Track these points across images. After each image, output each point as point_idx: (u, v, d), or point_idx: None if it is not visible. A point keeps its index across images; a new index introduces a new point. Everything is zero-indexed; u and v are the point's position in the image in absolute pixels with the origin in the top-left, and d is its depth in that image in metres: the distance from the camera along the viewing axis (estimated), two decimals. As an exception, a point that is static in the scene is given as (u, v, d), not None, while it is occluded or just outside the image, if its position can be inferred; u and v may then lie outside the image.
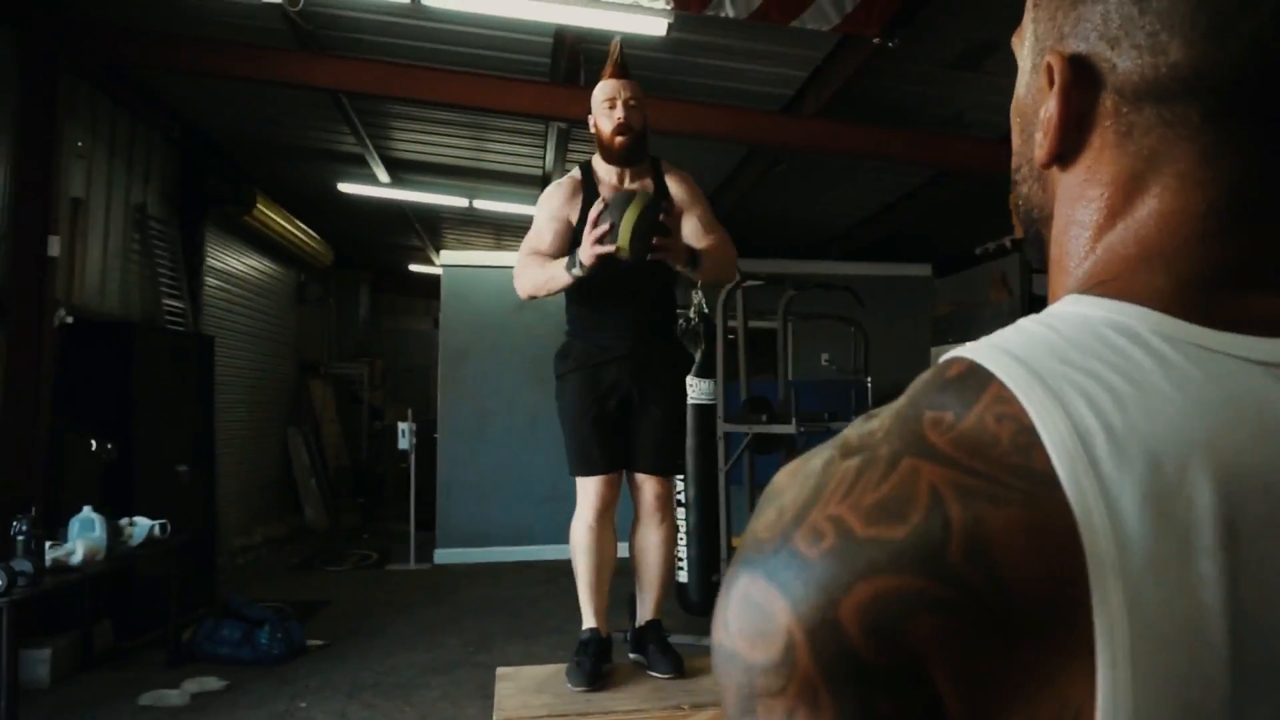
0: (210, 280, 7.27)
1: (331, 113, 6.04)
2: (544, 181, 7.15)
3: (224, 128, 6.70)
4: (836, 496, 0.39)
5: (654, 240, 2.40)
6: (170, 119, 6.30)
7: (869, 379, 6.24)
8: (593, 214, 2.43)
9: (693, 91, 5.33)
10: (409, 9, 4.43)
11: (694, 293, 5.44)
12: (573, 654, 2.57)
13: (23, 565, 3.58)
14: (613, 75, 2.63)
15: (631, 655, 2.70)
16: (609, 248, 2.40)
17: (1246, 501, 0.37)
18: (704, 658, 2.76)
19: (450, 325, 7.82)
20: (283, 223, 8.08)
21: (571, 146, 6.37)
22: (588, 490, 2.61)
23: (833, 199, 7.58)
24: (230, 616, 4.83)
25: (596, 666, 2.50)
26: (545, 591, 6.29)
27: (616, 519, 2.67)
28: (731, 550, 4.85)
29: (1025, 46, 0.53)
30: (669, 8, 4.05)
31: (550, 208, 2.67)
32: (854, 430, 0.43)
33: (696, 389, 5.09)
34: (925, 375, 0.44)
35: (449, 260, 8.14)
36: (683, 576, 5.30)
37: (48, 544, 3.87)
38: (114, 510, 4.45)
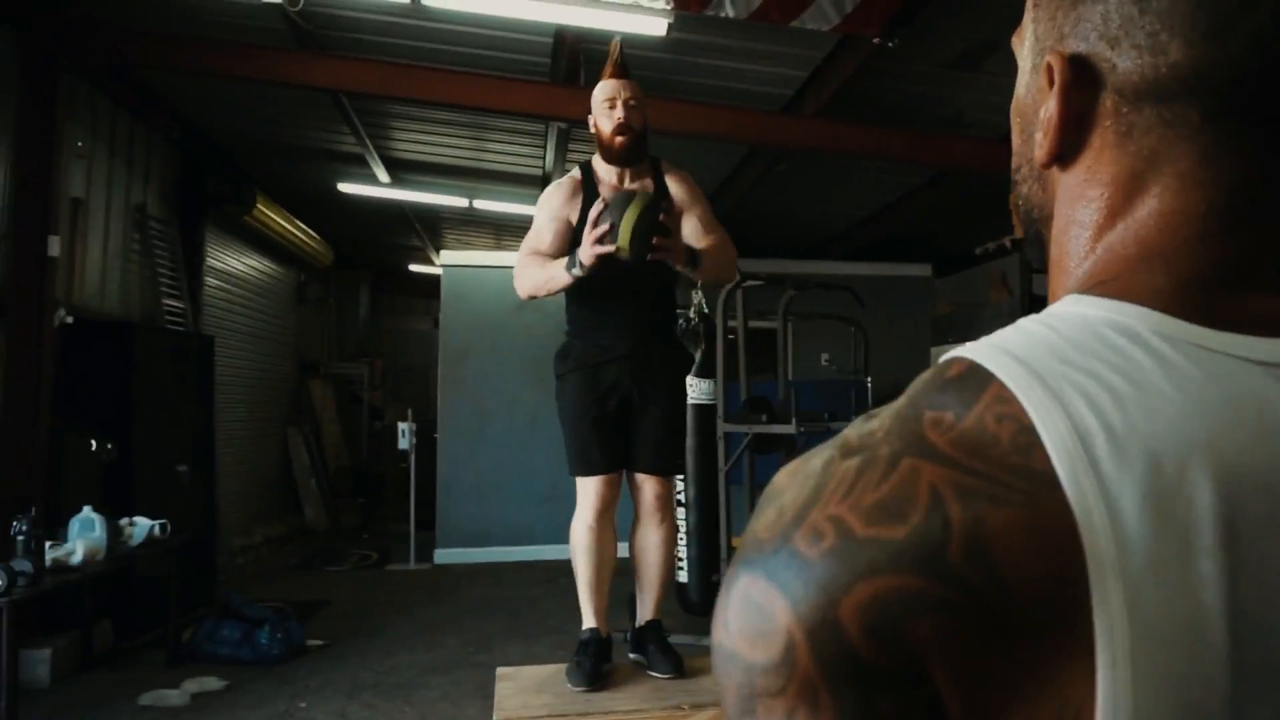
0: (210, 280, 7.27)
1: (331, 113, 6.04)
2: (544, 181, 7.15)
3: (224, 128, 6.70)
4: (836, 496, 0.39)
5: (654, 240, 2.39)
6: (170, 119, 6.30)
7: (869, 379, 6.24)
8: (592, 214, 2.43)
9: (693, 91, 5.33)
10: (409, 9, 4.43)
11: (694, 293, 5.44)
12: (573, 654, 2.57)
13: (23, 565, 3.58)
14: (613, 75, 2.63)
15: (631, 655, 2.70)
16: (608, 248, 2.39)
17: (1247, 501, 0.37)
18: (704, 658, 2.76)
19: (450, 325, 7.82)
20: (283, 223, 8.08)
21: (571, 146, 6.37)
22: (587, 490, 2.61)
23: (833, 199, 7.58)
24: (230, 616, 4.83)
25: (596, 667, 2.50)
26: (545, 591, 6.29)
27: (616, 519, 2.67)
28: (731, 550, 4.86)
29: (1025, 47, 0.53)
30: (669, 8, 4.05)
31: (550, 208, 2.67)
32: (854, 430, 0.43)
33: (697, 389, 5.09)
34: (925, 375, 0.44)
35: (449, 260, 8.14)
36: (683, 576, 5.30)
37: (48, 544, 3.87)
38: (114, 510, 4.45)
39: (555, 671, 2.57)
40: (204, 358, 6.29)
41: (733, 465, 5.01)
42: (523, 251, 2.68)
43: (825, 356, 8.17)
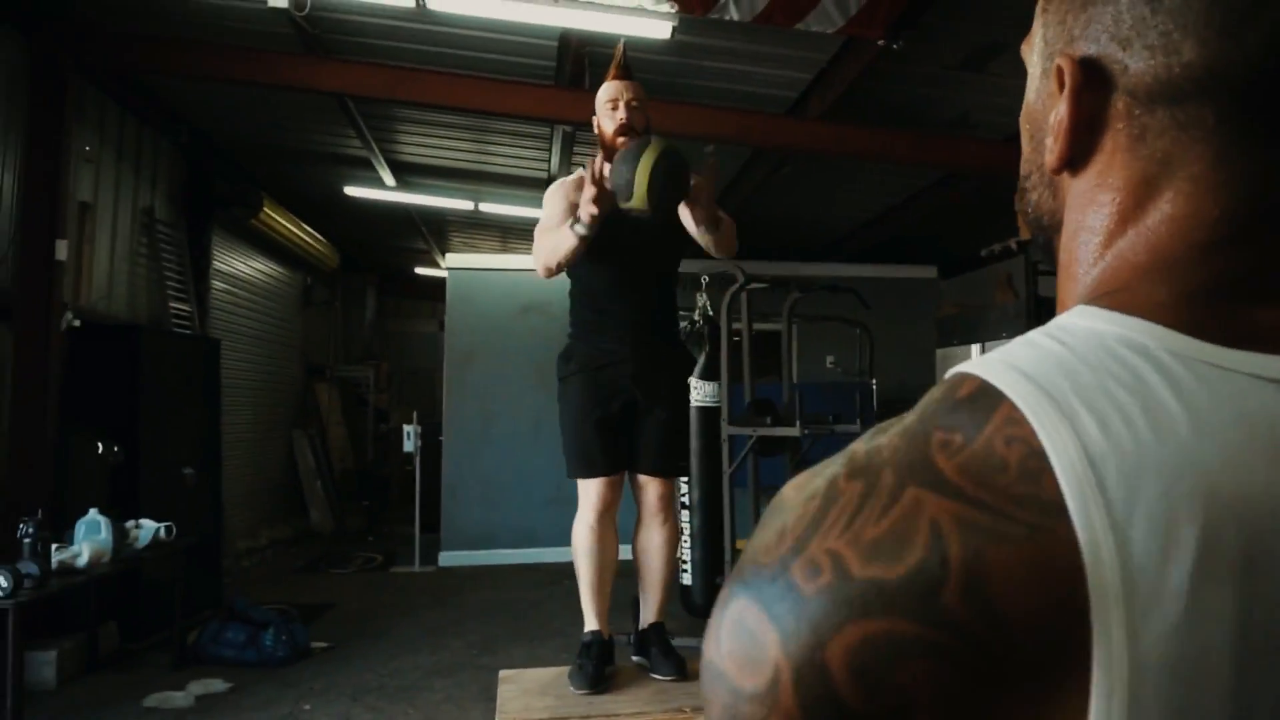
0: (217, 283, 7.30)
1: (337, 116, 6.06)
2: (549, 184, 7.14)
3: (231, 131, 6.72)
4: (838, 528, 0.39)
5: (675, 191, 2.29)
6: (177, 123, 6.33)
7: (874, 381, 6.23)
8: (595, 170, 2.39)
9: (697, 94, 5.33)
10: (414, 13, 4.45)
11: (698, 295, 5.44)
12: (575, 656, 2.57)
13: (29, 567, 3.59)
14: (616, 77, 2.65)
15: (634, 658, 2.70)
16: (590, 209, 2.34)
17: (1260, 526, 0.36)
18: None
19: (456, 328, 7.83)
20: (289, 226, 8.11)
21: (577, 149, 6.37)
22: (589, 492, 2.61)
23: (838, 201, 7.57)
24: (235, 619, 4.84)
25: (599, 669, 2.50)
26: (549, 594, 6.29)
27: (619, 521, 2.67)
28: (736, 553, 4.85)
29: (1035, 52, 0.52)
30: (673, 11, 4.06)
31: (559, 200, 2.66)
32: (863, 445, 0.42)
33: (701, 391, 5.09)
34: (936, 392, 0.43)
35: (454, 263, 8.15)
36: (686, 579, 5.30)
37: (54, 546, 3.89)
38: (120, 513, 4.47)
39: (558, 674, 2.57)
40: (210, 361, 6.31)
41: (737, 467, 5.00)
42: (536, 234, 2.66)
43: (830, 359, 8.16)
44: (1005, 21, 4.19)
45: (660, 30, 4.30)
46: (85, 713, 4.04)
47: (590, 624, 2.61)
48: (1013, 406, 0.39)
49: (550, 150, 6.52)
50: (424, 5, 4.20)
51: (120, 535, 4.31)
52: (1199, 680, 0.35)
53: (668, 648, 2.62)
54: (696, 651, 3.73)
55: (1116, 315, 0.42)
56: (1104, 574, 0.35)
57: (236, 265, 7.81)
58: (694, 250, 2.72)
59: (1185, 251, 0.44)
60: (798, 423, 4.66)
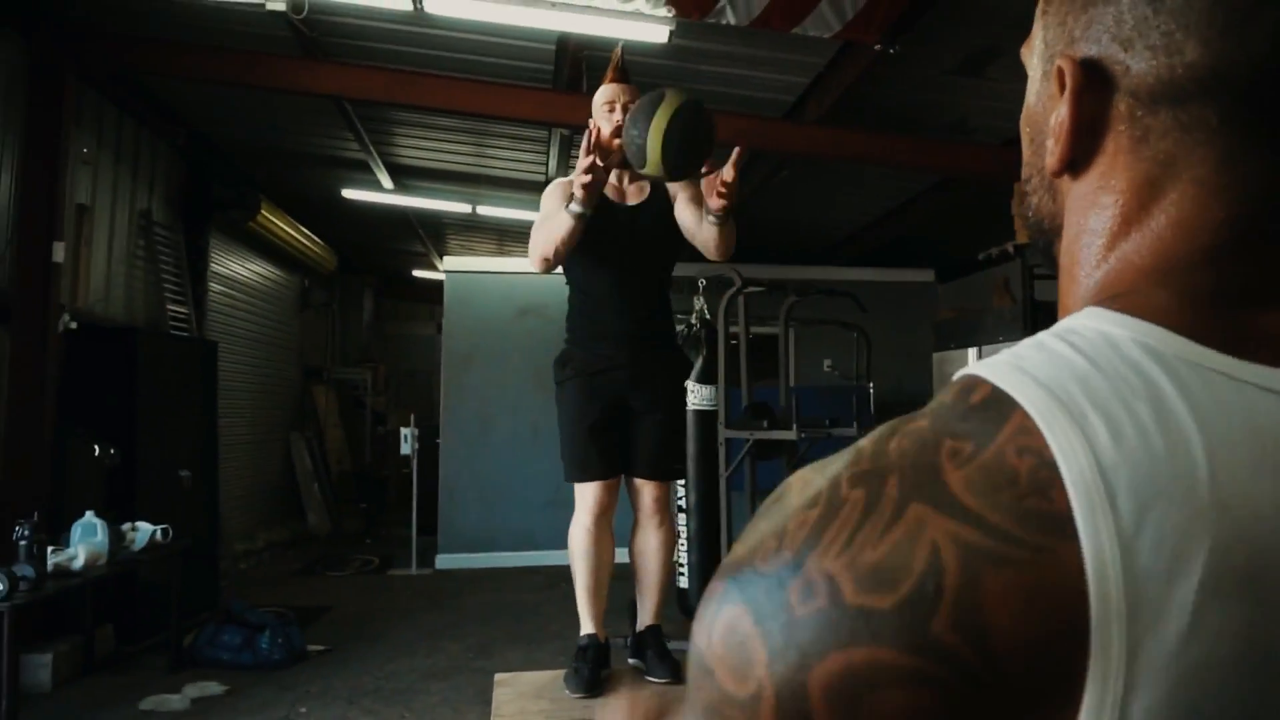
0: (214, 286, 7.30)
1: (335, 119, 6.07)
2: (546, 188, 7.16)
3: (229, 134, 6.73)
4: (837, 545, 0.38)
5: (695, 152, 2.08)
6: (176, 125, 6.33)
7: (871, 384, 6.24)
8: (591, 129, 2.29)
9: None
10: (412, 17, 4.45)
11: (696, 298, 5.45)
12: (571, 660, 2.58)
13: (25, 570, 3.59)
14: (613, 80, 2.66)
15: (631, 660, 2.70)
16: (584, 178, 2.22)
17: (1269, 544, 0.36)
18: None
19: (453, 330, 7.83)
20: (287, 229, 8.11)
21: (574, 153, 6.38)
22: (585, 496, 2.61)
23: (835, 205, 7.58)
24: (231, 621, 4.83)
25: (594, 673, 2.50)
26: (547, 597, 6.29)
27: (616, 524, 2.68)
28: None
29: (1035, 54, 0.52)
30: (670, 15, 4.06)
31: (557, 194, 2.65)
32: (870, 445, 0.41)
33: (698, 395, 5.09)
34: (948, 397, 0.42)
35: (452, 266, 8.16)
36: (683, 582, 5.30)
37: (50, 549, 3.89)
38: (117, 515, 4.46)
39: (554, 678, 2.57)
40: (208, 363, 6.31)
41: (734, 471, 5.01)
42: (533, 230, 2.61)
43: (828, 362, 8.17)
44: (1002, 26, 4.20)
45: (657, 34, 4.30)
46: (81, 715, 4.04)
47: (586, 627, 2.61)
48: (1025, 415, 0.38)
49: (548, 153, 6.53)
50: (421, 9, 4.21)
51: (116, 538, 4.31)
52: (1195, 696, 0.34)
53: (664, 651, 2.62)
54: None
55: (1128, 319, 0.41)
56: (1108, 589, 0.35)
57: (234, 268, 7.81)
58: (690, 253, 2.72)
59: (1191, 255, 0.43)
60: (795, 426, 4.67)
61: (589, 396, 2.61)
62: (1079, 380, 0.39)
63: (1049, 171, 0.49)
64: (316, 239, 8.99)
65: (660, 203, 2.68)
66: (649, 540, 2.66)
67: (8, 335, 4.58)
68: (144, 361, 5.28)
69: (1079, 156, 0.47)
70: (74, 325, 4.92)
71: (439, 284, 8.39)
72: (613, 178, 2.67)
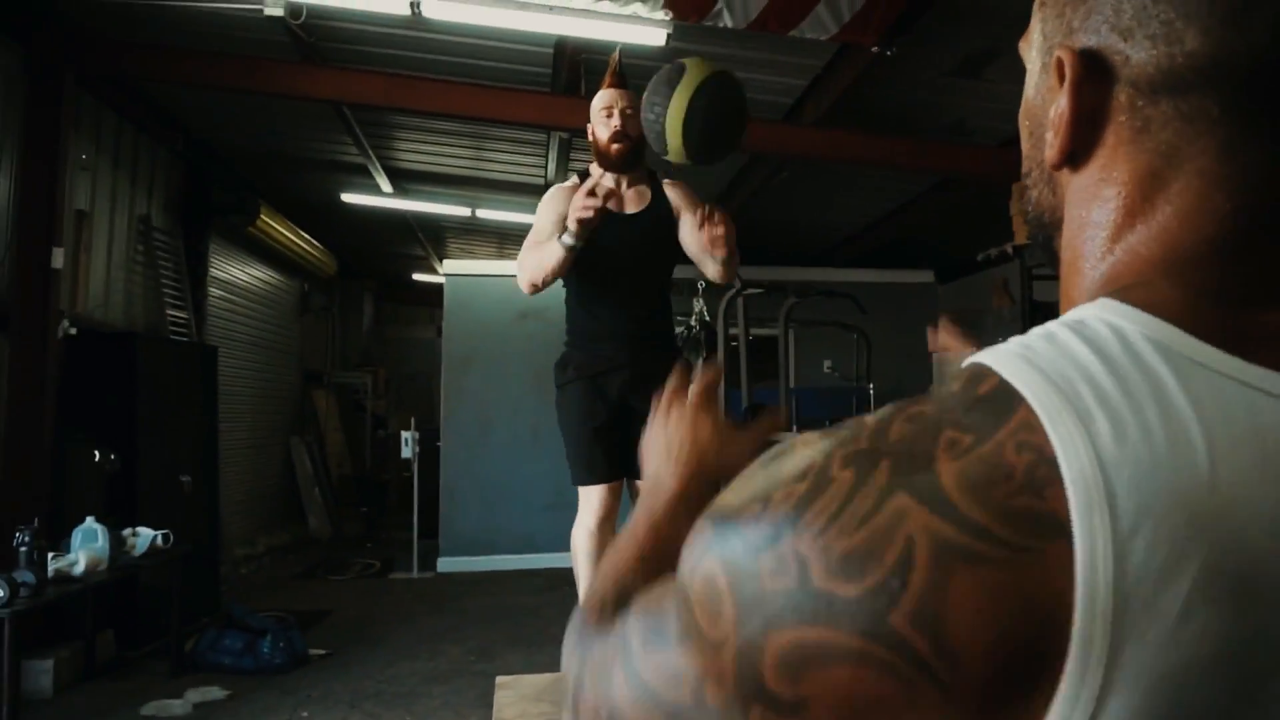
0: (214, 291, 7.30)
1: (334, 124, 6.07)
2: (546, 190, 7.16)
3: (228, 139, 6.73)
4: (816, 526, 0.39)
5: (722, 135, 1.90)
6: (174, 131, 6.34)
7: (871, 385, 6.24)
8: (595, 181, 2.32)
9: (693, 100, 5.34)
10: (410, 21, 4.46)
11: (695, 300, 5.46)
12: (573, 662, 2.57)
13: (25, 576, 3.59)
14: (611, 85, 2.67)
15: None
16: (593, 204, 2.21)
17: (1265, 550, 0.36)
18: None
19: (453, 334, 7.84)
20: (286, 233, 8.12)
21: (573, 156, 6.39)
22: (590, 498, 2.61)
23: (834, 206, 7.59)
24: (233, 626, 4.83)
25: (596, 675, 2.50)
26: (548, 600, 6.29)
27: (618, 526, 2.68)
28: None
29: (1033, 47, 0.52)
30: (668, 18, 4.07)
31: (550, 209, 2.68)
32: (875, 424, 0.42)
33: (698, 397, 5.09)
34: (956, 386, 0.42)
35: (452, 269, 8.17)
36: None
37: (50, 555, 3.88)
38: (117, 521, 4.46)
39: (554, 680, 2.57)
40: (208, 368, 6.31)
41: (734, 473, 5.01)
42: (524, 248, 2.67)
43: (827, 363, 8.17)
44: (999, 28, 4.21)
45: (655, 37, 4.31)
46: (82, 721, 4.04)
47: None
48: (1030, 410, 0.38)
49: (547, 157, 6.54)
50: (419, 13, 4.21)
51: (117, 543, 4.31)
52: (1173, 698, 0.35)
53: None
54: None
55: (1138, 313, 0.41)
56: (1097, 587, 0.35)
57: (234, 272, 7.82)
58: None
59: (1198, 248, 0.43)
60: (795, 427, 4.67)
61: (592, 398, 2.62)
62: (1086, 376, 0.39)
63: (1049, 164, 0.49)
64: (316, 243, 8.99)
65: (660, 210, 2.69)
66: (649, 543, 2.66)
67: (7, 341, 4.58)
68: (144, 367, 5.28)
69: (1079, 149, 0.47)
70: (73, 331, 4.92)
71: (439, 287, 8.40)
72: (611, 183, 2.68)
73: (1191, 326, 0.40)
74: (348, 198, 7.74)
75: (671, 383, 0.81)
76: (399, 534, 8.78)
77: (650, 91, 1.65)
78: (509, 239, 9.04)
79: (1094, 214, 0.47)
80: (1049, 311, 0.49)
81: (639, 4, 4.00)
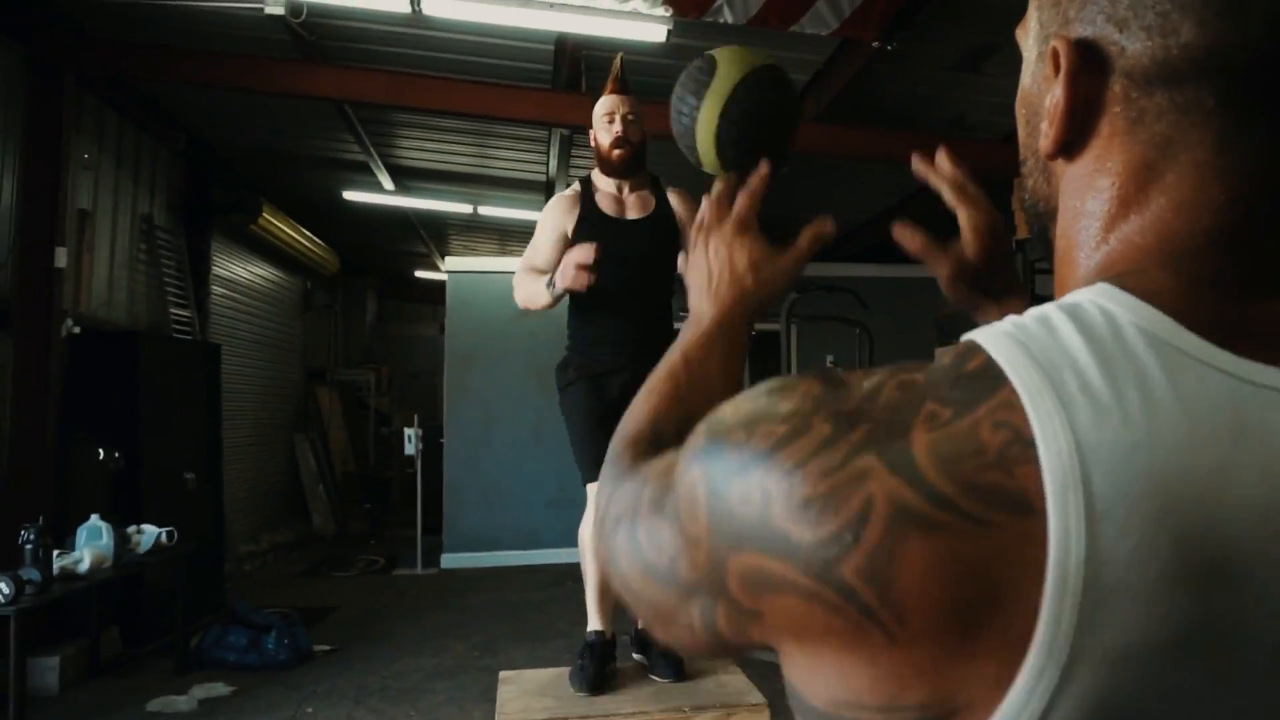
0: (217, 289, 7.32)
1: (336, 122, 6.08)
2: (547, 187, 7.18)
3: (229, 138, 6.74)
4: (785, 466, 0.41)
5: (764, 142, 1.61)
6: (176, 130, 6.35)
7: (873, 381, 6.23)
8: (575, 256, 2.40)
9: (694, 96, 5.34)
10: (410, 19, 4.46)
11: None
12: (576, 656, 2.58)
13: (30, 574, 3.61)
14: (613, 91, 2.68)
15: (635, 655, 2.71)
16: (581, 282, 2.38)
17: (1238, 538, 0.36)
18: (705, 659, 2.77)
19: (456, 331, 7.84)
20: (289, 231, 8.13)
21: (574, 152, 6.39)
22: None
23: (835, 201, 7.58)
24: (237, 623, 4.85)
25: (600, 670, 2.51)
26: (551, 595, 6.30)
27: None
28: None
29: (1030, 35, 0.52)
30: (668, 14, 4.07)
31: (550, 221, 2.71)
32: (870, 386, 0.43)
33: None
34: (948, 360, 0.43)
35: (454, 266, 8.17)
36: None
37: (55, 552, 3.90)
38: (121, 518, 4.48)
39: (558, 675, 2.58)
40: (211, 366, 6.33)
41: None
42: (521, 264, 2.74)
43: (829, 358, 8.16)
44: (999, 22, 4.20)
45: (655, 34, 4.31)
46: (88, 718, 4.06)
47: (594, 624, 2.62)
48: (1012, 391, 0.39)
49: (548, 153, 6.54)
50: (420, 11, 4.21)
51: (122, 541, 4.33)
52: (1138, 677, 0.35)
53: (667, 648, 2.63)
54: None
55: (1133, 300, 0.41)
56: (1068, 566, 0.36)
57: (236, 271, 7.83)
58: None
59: (1194, 238, 0.43)
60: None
61: (594, 396, 2.63)
62: (1072, 361, 0.39)
63: (1043, 154, 0.49)
64: (318, 241, 9.00)
65: (663, 216, 2.70)
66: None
67: (11, 340, 4.60)
68: (147, 365, 5.30)
69: (1074, 138, 0.47)
70: (77, 330, 4.94)
71: (441, 284, 8.40)
72: (612, 188, 2.70)
73: (1185, 316, 0.40)
74: (349, 195, 7.75)
75: (707, 208, 0.80)
76: (403, 531, 8.80)
77: (677, 94, 1.32)
78: (511, 235, 9.06)
79: (1089, 203, 0.47)
80: (1050, 308, 0.49)
81: (639, 0, 4.00)
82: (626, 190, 2.70)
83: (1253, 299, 0.42)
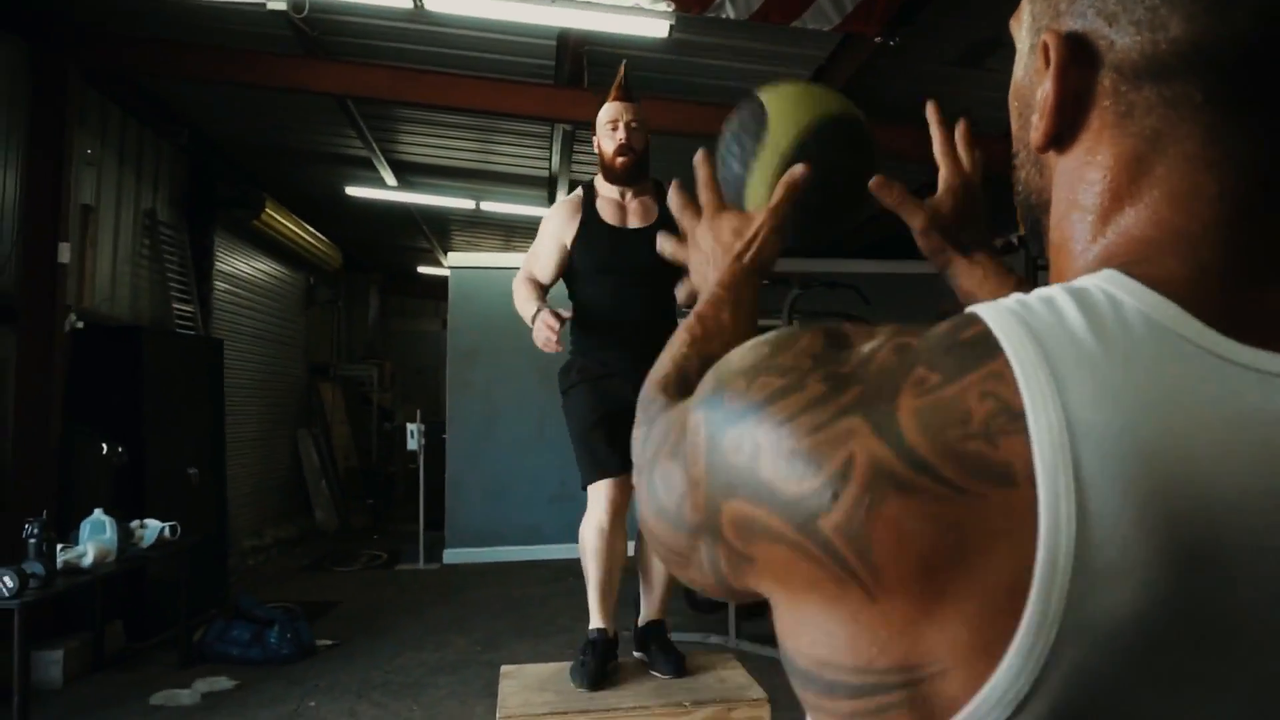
0: (220, 284, 7.33)
1: (338, 117, 6.08)
2: (550, 182, 7.18)
3: (232, 133, 6.75)
4: (777, 418, 0.43)
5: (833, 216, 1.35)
6: (179, 125, 6.36)
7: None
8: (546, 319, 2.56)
9: (697, 92, 5.34)
10: (412, 14, 4.46)
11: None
12: (578, 652, 2.59)
13: (34, 567, 3.62)
14: (617, 98, 2.68)
15: (635, 653, 2.72)
16: (549, 348, 2.55)
17: (1232, 523, 0.36)
18: (707, 655, 2.78)
19: (458, 326, 7.84)
20: (291, 226, 8.13)
21: (577, 148, 6.39)
22: (600, 494, 2.62)
23: (838, 197, 7.57)
24: (240, 617, 4.87)
25: (601, 666, 2.52)
26: (553, 591, 6.31)
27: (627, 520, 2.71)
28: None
29: (1023, 28, 0.53)
30: (670, 9, 4.07)
31: (550, 229, 2.74)
32: (868, 349, 0.44)
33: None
34: (945, 326, 0.43)
35: (457, 262, 8.17)
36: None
37: (59, 546, 3.91)
38: (125, 512, 4.49)
39: (559, 669, 2.59)
40: (214, 361, 6.34)
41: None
42: (522, 268, 2.80)
43: (832, 355, 8.16)
44: (1001, 17, 4.16)
45: (658, 29, 4.31)
46: (92, 711, 4.08)
47: (596, 621, 2.62)
48: (1005, 363, 0.39)
49: (551, 149, 6.53)
50: (422, 6, 4.22)
51: (125, 535, 4.34)
52: (1129, 651, 0.36)
53: (668, 645, 2.63)
54: (696, 646, 3.74)
55: (1139, 287, 0.41)
56: (1058, 542, 0.36)
57: (239, 266, 7.84)
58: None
59: (1192, 227, 0.43)
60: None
61: (596, 398, 2.64)
62: (1072, 339, 0.39)
63: (1034, 146, 0.50)
64: (321, 236, 9.01)
65: (666, 223, 2.70)
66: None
67: (15, 336, 4.61)
68: (150, 360, 5.31)
69: (1064, 132, 0.47)
70: (80, 325, 4.95)
71: (444, 280, 8.40)
72: (615, 194, 2.70)
73: (1191, 304, 0.41)
74: (352, 191, 7.76)
75: (675, 200, 0.85)
76: (405, 526, 8.82)
77: (724, 146, 1.06)
78: (514, 231, 9.06)
79: (1080, 196, 0.47)
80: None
81: (641, -5, 4.00)
82: (629, 197, 2.71)
83: (1252, 288, 0.42)
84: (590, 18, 4.24)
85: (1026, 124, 0.52)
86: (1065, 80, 0.46)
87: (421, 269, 11.59)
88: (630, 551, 2.69)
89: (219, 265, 7.31)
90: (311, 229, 8.68)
